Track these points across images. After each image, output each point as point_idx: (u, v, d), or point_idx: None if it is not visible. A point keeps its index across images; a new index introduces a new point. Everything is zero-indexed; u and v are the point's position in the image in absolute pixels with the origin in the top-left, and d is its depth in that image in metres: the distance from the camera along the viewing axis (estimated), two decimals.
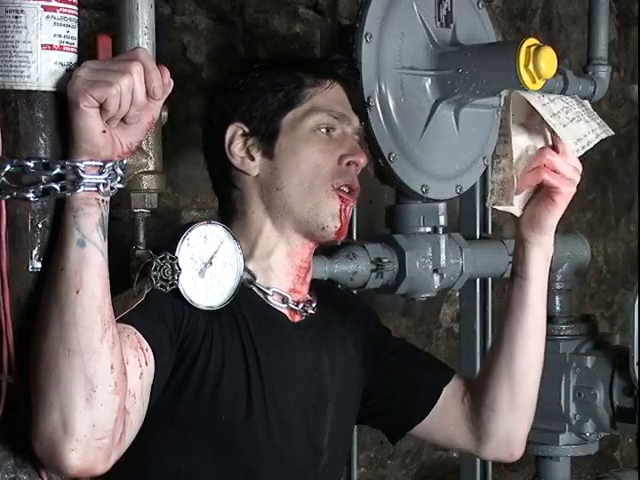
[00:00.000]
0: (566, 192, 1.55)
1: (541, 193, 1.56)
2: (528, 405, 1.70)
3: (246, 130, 1.60)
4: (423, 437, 1.82)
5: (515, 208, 1.57)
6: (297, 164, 1.58)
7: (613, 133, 1.59)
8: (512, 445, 1.73)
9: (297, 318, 1.62)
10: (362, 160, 1.61)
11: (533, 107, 1.50)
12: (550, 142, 1.55)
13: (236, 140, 1.61)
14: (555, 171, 1.53)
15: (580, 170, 1.57)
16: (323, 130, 1.60)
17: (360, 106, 1.72)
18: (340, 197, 1.59)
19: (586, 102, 1.61)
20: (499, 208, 1.56)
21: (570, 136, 1.51)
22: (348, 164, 1.60)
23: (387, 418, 1.78)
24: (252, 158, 1.60)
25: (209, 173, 1.69)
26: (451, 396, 1.75)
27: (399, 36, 2.00)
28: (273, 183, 1.59)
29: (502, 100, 1.53)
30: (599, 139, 1.55)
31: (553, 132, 1.52)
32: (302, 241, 1.61)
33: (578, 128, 1.53)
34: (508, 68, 1.91)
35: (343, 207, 1.59)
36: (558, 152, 1.54)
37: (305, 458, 1.59)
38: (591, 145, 1.53)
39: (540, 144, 1.55)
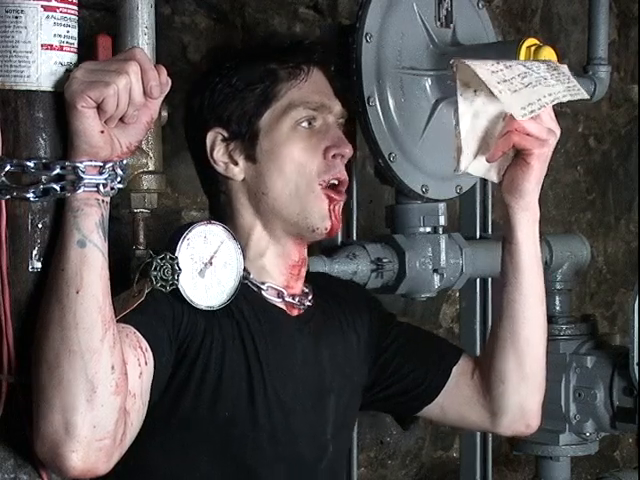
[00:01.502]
0: (539, 153, 1.54)
1: (517, 158, 1.55)
2: (537, 373, 1.70)
3: (225, 135, 1.57)
4: (437, 419, 1.81)
5: (493, 175, 1.58)
6: (280, 167, 1.55)
7: (586, 97, 1.58)
8: (527, 416, 1.73)
9: (295, 312, 1.61)
10: (347, 150, 1.58)
11: (475, 73, 1.49)
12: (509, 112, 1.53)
13: (217, 146, 1.58)
14: (527, 134, 1.52)
15: (557, 132, 1.56)
16: (304, 124, 1.57)
17: (342, 87, 1.67)
18: (328, 196, 1.56)
19: (564, 66, 1.59)
20: (457, 172, 1.56)
21: (518, 101, 1.49)
22: (334, 156, 1.57)
23: (396, 401, 1.77)
24: (235, 163, 1.57)
25: (198, 177, 1.67)
26: (461, 375, 1.74)
27: (399, 36, 2.00)
28: (259, 188, 1.57)
29: (454, 68, 1.53)
30: (556, 101, 1.52)
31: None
32: (294, 241, 1.60)
33: (532, 93, 1.50)
34: None
35: (332, 207, 1.57)
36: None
37: (309, 453, 1.59)
38: (543, 108, 1.50)
39: None
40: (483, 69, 1.50)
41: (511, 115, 1.51)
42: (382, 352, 1.74)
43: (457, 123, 1.53)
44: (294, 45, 1.63)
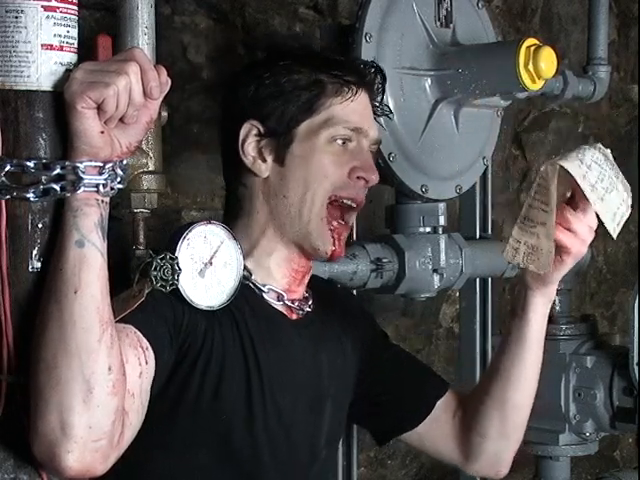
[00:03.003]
0: (576, 252, 1.55)
1: None
2: (517, 432, 1.72)
3: (261, 130, 1.57)
4: (413, 445, 1.82)
5: (520, 258, 1.54)
6: (306, 174, 1.56)
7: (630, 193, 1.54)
8: (498, 465, 1.76)
9: (294, 316, 1.62)
10: (373, 177, 1.58)
11: (577, 183, 1.45)
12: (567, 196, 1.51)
13: (250, 138, 1.58)
14: (569, 229, 1.51)
15: (594, 228, 1.54)
16: (339, 142, 1.57)
17: (384, 111, 1.68)
18: (330, 223, 1.56)
19: (607, 151, 1.55)
20: (522, 266, 1.53)
21: (608, 213, 1.47)
22: (358, 178, 1.57)
23: (378, 420, 1.79)
24: (264, 159, 1.57)
25: (222, 165, 1.66)
26: (443, 411, 1.76)
27: (399, 36, 2.00)
28: (280, 190, 1.57)
29: (545, 170, 1.46)
30: (629, 211, 1.50)
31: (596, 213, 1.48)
32: (300, 251, 1.60)
33: (611, 201, 1.48)
34: (508, 68, 1.91)
35: (336, 237, 1.57)
36: (576, 208, 1.51)
37: (303, 457, 1.59)
38: (624, 220, 1.49)
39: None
40: (578, 174, 1.45)
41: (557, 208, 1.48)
42: (373, 370, 1.75)
43: (533, 221, 1.49)
44: (348, 62, 1.65)
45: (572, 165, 1.46)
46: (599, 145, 1.53)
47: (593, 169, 1.48)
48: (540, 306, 1.63)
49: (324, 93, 1.57)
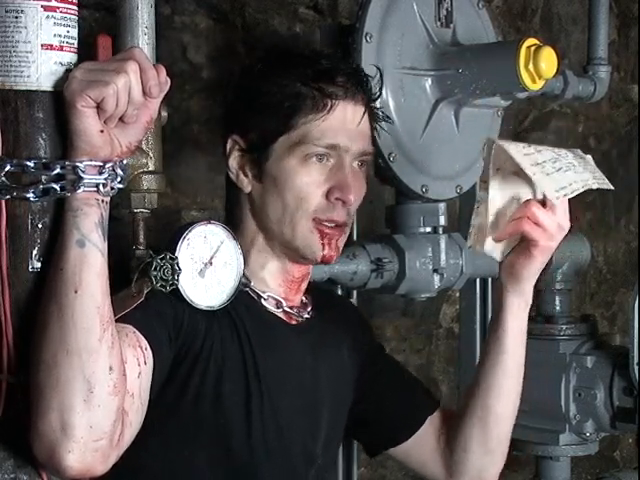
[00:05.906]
0: (544, 246, 1.53)
1: (522, 244, 1.55)
2: (500, 447, 1.72)
3: (243, 146, 1.59)
4: (400, 460, 1.83)
5: (497, 253, 1.57)
6: (282, 194, 1.55)
7: (611, 187, 1.55)
8: None
9: (293, 321, 1.62)
10: (350, 197, 1.55)
11: (510, 155, 1.47)
12: (540, 195, 1.52)
13: (233, 154, 1.60)
14: (537, 224, 1.51)
15: (567, 228, 1.55)
16: (314, 159, 1.55)
17: (382, 116, 1.66)
18: (320, 231, 1.55)
19: (588, 156, 1.57)
20: (475, 250, 1.56)
21: (551, 184, 1.48)
22: (336, 199, 1.55)
23: (370, 431, 1.79)
24: (246, 175, 1.60)
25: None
26: (432, 427, 1.77)
27: (399, 36, 2.00)
28: (261, 207, 1.59)
29: (484, 147, 1.51)
30: (586, 188, 1.51)
31: (530, 179, 1.49)
32: (293, 261, 1.60)
33: (563, 177, 1.49)
34: (508, 68, 1.91)
35: (326, 241, 1.56)
36: (545, 206, 1.52)
37: (298, 463, 1.59)
38: (575, 193, 1.49)
39: (529, 195, 1.53)
40: (516, 151, 1.49)
41: (526, 201, 1.51)
42: (368, 380, 1.75)
43: (479, 201, 1.53)
44: (336, 70, 1.57)
45: (508, 144, 1.49)
46: (578, 150, 1.57)
47: (545, 154, 1.50)
48: (516, 308, 1.61)
49: (302, 108, 1.54)
